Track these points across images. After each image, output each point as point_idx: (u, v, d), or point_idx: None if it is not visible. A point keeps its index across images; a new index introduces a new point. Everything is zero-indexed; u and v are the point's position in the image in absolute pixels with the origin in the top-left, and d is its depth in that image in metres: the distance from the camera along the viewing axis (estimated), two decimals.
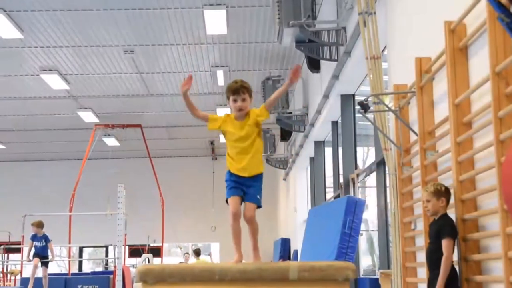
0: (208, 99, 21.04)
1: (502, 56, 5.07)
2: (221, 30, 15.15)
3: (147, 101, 21.30)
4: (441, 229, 5.75)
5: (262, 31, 15.60)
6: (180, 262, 22.74)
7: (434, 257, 5.81)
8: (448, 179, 6.27)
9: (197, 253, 22.66)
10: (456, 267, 5.81)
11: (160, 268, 5.21)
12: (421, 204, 6.28)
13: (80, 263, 31.36)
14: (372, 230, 14.18)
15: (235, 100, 5.52)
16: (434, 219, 5.97)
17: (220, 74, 18.06)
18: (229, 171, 5.68)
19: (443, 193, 5.89)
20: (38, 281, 16.04)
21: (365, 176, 13.08)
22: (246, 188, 5.57)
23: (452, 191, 5.97)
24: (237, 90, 5.51)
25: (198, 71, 18.27)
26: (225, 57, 17.26)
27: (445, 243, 5.65)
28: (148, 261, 21.86)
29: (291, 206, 22.82)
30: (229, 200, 5.56)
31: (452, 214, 5.96)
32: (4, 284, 23.57)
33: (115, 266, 17.79)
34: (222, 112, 21.83)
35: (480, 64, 5.64)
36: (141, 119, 23.02)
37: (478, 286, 5.64)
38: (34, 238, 15.75)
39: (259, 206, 5.59)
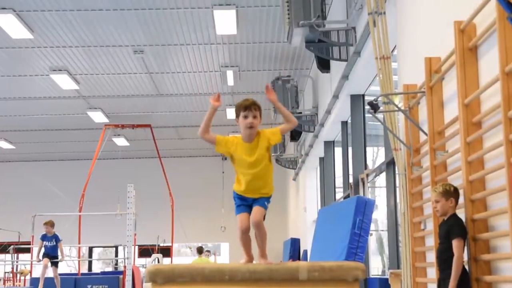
0: None
1: None
2: (231, 30, 15.17)
3: (157, 101, 21.35)
4: (451, 229, 5.76)
5: (271, 31, 15.61)
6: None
7: (444, 257, 5.83)
8: (457, 179, 6.28)
9: (199, 251, 22.64)
10: (466, 267, 5.82)
11: (169, 268, 5.24)
12: (431, 204, 6.29)
13: (90, 263, 31.45)
14: (382, 230, 14.21)
15: (245, 117, 5.40)
16: (443, 220, 5.98)
17: (230, 74, 18.10)
18: (237, 192, 5.60)
19: (452, 193, 5.90)
20: (48, 281, 16.11)
21: (375, 176, 13.09)
22: (254, 201, 5.51)
23: (461, 191, 5.98)
24: (249, 106, 5.41)
25: (207, 71, 18.31)
26: (234, 57, 17.28)
27: (455, 244, 5.67)
28: (158, 261, 21.93)
29: (300, 206, 22.83)
30: (238, 216, 5.51)
31: (461, 214, 5.97)
32: (14, 284, 23.69)
33: (124, 266, 17.83)
34: (231, 112, 21.94)
35: (489, 64, 5.65)
36: (151, 119, 23.08)
37: (488, 286, 5.65)
38: (44, 238, 15.80)
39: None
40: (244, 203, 5.51)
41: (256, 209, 5.43)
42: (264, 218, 5.48)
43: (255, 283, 4.99)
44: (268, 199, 5.56)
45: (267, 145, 5.42)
